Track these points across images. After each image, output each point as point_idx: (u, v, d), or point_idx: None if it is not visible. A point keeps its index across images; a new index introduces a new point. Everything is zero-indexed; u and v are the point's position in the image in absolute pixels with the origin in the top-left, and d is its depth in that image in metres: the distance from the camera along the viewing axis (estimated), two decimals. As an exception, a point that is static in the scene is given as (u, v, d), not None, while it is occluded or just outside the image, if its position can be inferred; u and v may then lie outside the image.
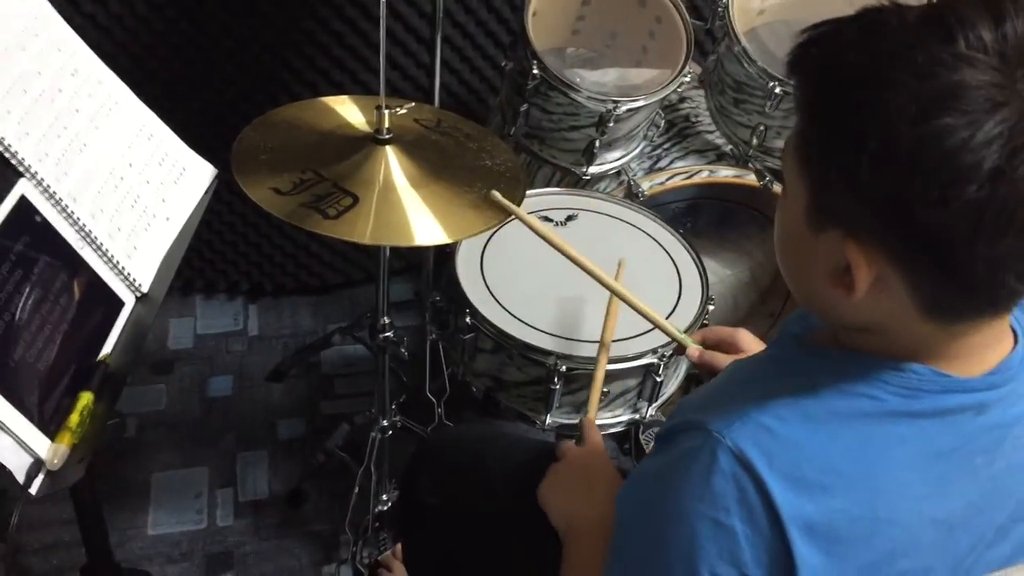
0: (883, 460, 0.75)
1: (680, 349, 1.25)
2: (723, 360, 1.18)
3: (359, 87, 2.07)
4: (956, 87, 0.64)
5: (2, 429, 0.98)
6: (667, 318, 1.43)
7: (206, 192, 1.39)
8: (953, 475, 0.77)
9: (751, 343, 1.19)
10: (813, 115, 0.73)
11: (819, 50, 0.72)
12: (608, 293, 1.40)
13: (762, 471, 0.73)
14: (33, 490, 0.99)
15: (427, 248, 1.89)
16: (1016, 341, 0.80)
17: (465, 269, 1.51)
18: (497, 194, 1.29)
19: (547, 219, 1.62)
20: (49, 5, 1.25)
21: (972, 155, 0.63)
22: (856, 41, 0.70)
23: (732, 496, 0.74)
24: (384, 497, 1.75)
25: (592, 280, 1.41)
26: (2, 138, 1.11)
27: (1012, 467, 0.80)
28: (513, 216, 1.30)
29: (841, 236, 0.72)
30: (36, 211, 1.13)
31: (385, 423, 1.67)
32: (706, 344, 1.22)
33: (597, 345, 1.39)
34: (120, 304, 1.22)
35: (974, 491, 0.79)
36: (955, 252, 0.67)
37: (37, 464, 1.01)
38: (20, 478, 0.99)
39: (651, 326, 1.43)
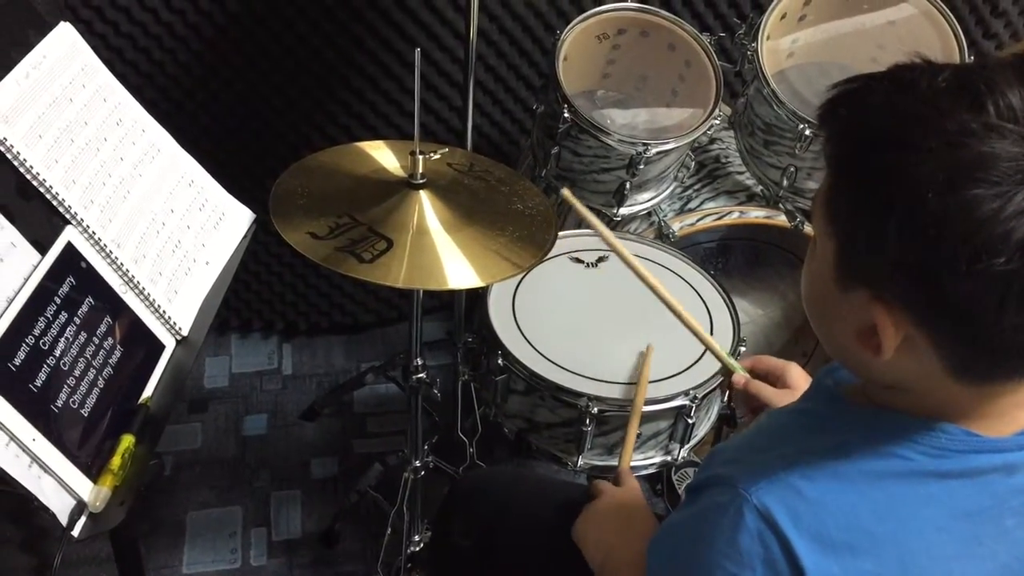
0: (912, 520, 0.74)
1: (727, 374, 1.25)
2: (767, 393, 1.17)
3: (393, 130, 2.10)
4: (986, 158, 0.63)
5: (45, 471, 1.01)
6: (697, 361, 1.43)
7: (244, 236, 1.42)
8: (984, 536, 0.76)
9: (800, 379, 1.18)
10: (840, 174, 0.73)
11: (847, 110, 0.72)
12: (645, 339, 1.41)
13: (788, 531, 0.73)
14: (75, 532, 1.01)
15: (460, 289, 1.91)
16: None
17: (497, 310, 1.52)
18: (567, 192, 1.40)
19: (578, 260, 1.63)
20: (95, 56, 1.30)
21: (1001, 226, 0.62)
22: (885, 102, 0.69)
23: (757, 555, 0.74)
24: (416, 538, 1.75)
25: (624, 321, 1.42)
26: (50, 187, 1.15)
27: None
28: (548, 254, 1.32)
29: (868, 297, 0.71)
30: (81, 257, 1.16)
31: (417, 464, 1.67)
32: (754, 373, 1.21)
33: (628, 386, 1.40)
34: (161, 347, 1.24)
35: (1006, 553, 0.77)
36: (983, 321, 0.66)
37: (80, 507, 1.03)
38: (63, 520, 1.00)
39: (682, 368, 1.44)
